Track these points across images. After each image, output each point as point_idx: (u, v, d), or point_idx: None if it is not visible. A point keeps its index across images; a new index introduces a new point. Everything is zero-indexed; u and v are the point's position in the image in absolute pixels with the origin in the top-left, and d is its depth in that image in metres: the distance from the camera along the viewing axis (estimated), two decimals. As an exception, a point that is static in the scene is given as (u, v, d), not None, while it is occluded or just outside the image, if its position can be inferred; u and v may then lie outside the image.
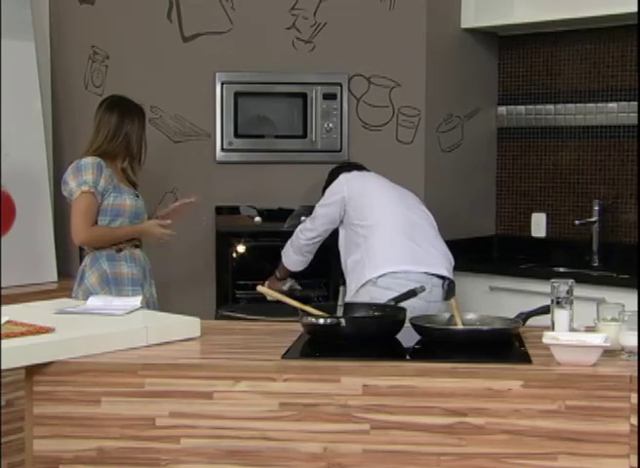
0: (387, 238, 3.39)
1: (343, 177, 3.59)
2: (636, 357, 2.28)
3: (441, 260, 3.40)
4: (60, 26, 4.31)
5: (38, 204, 4.11)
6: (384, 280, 3.28)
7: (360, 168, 3.76)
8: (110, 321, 2.56)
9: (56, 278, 4.14)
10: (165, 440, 2.27)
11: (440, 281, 3.36)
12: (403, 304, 2.75)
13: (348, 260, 3.47)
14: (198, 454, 2.27)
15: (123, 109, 3.47)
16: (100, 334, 2.40)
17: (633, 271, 3.76)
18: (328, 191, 3.62)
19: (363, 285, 3.32)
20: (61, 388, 2.28)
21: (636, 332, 2.28)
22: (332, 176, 3.73)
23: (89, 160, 3.35)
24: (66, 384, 2.28)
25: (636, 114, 4.16)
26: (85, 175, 3.32)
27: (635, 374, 2.16)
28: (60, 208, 4.33)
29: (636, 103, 4.16)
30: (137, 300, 2.77)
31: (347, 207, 3.50)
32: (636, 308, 2.35)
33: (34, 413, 2.30)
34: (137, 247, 3.45)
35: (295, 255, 3.67)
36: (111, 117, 3.44)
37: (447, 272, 3.39)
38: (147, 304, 3.21)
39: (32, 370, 2.28)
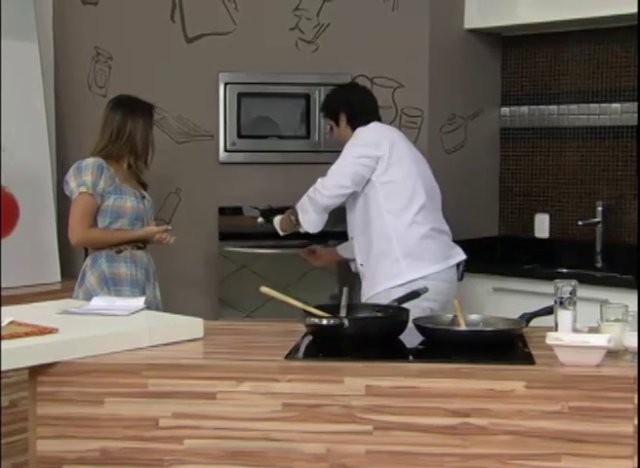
0: (424, 230, 3.38)
1: (387, 132, 3.47)
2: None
3: (454, 243, 3.53)
4: (64, 27, 4.31)
5: (41, 204, 4.11)
6: (424, 282, 3.19)
7: (375, 107, 3.60)
8: (114, 321, 2.56)
9: (59, 278, 4.14)
10: (168, 440, 2.27)
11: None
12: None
13: (372, 251, 3.39)
14: (201, 455, 2.27)
15: (127, 109, 3.46)
16: (104, 335, 2.40)
17: (636, 272, 3.75)
18: (362, 138, 3.43)
19: (400, 285, 3.27)
20: (65, 389, 2.29)
21: (636, 333, 2.28)
22: (339, 101, 3.58)
23: (90, 161, 3.35)
24: (70, 385, 2.29)
25: (638, 114, 4.15)
26: (84, 177, 3.32)
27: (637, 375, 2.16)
28: (64, 208, 4.32)
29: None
30: (140, 301, 2.77)
31: (377, 177, 3.37)
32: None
33: (38, 414, 2.30)
34: (139, 248, 3.43)
35: (316, 215, 3.42)
36: (115, 117, 3.43)
37: (464, 254, 3.52)
38: (150, 306, 3.20)
39: (36, 371, 2.29)
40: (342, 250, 3.71)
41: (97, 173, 3.33)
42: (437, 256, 3.39)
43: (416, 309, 2.83)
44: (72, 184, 3.35)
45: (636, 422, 2.14)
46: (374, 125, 3.47)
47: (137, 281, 3.39)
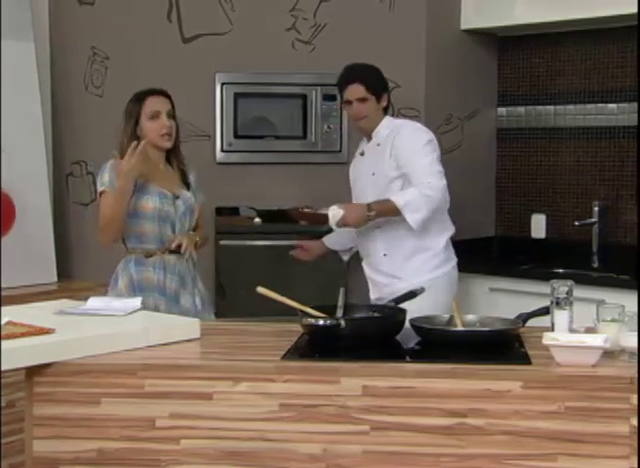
0: (449, 225, 3.52)
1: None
2: (637, 358, 2.28)
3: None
4: (60, 27, 4.30)
5: (38, 205, 4.11)
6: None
7: None
8: (110, 322, 2.56)
9: (55, 279, 4.14)
10: (165, 441, 2.27)
11: None
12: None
13: (406, 243, 3.38)
14: (198, 455, 2.27)
15: (130, 102, 3.31)
16: (101, 335, 2.40)
17: (633, 272, 3.76)
18: (426, 135, 3.41)
19: (441, 276, 3.40)
20: (61, 389, 2.29)
21: (636, 333, 2.29)
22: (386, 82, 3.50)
23: (109, 161, 3.25)
24: (66, 385, 2.28)
25: (636, 115, 4.16)
26: (103, 177, 3.22)
27: (635, 376, 2.16)
28: (60, 208, 4.33)
29: (636, 104, 4.16)
30: (137, 301, 2.77)
31: None
32: (636, 309, 2.35)
33: (34, 414, 2.30)
34: (171, 253, 3.22)
35: (429, 214, 3.27)
36: (124, 112, 3.31)
37: None
38: (187, 314, 3.05)
39: (32, 371, 2.29)
40: (329, 240, 3.66)
41: (114, 172, 3.20)
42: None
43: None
44: (97, 186, 3.26)
45: (635, 423, 2.15)
46: (411, 121, 3.57)
47: (165, 288, 3.21)
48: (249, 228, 4.14)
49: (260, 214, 4.15)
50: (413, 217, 3.23)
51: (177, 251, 3.22)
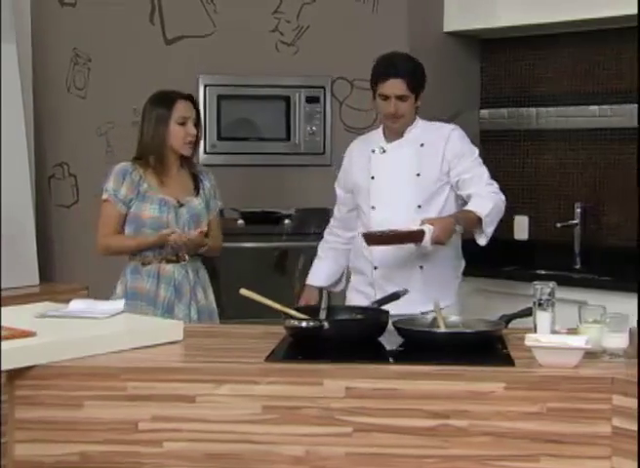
0: None
1: None
2: (619, 359, 2.29)
3: None
4: (42, 29, 4.29)
5: (20, 208, 4.08)
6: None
7: None
8: (92, 324, 2.55)
9: (37, 281, 4.12)
10: (148, 444, 2.26)
11: None
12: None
13: (440, 253, 3.12)
14: (181, 458, 2.26)
15: (145, 105, 3.24)
16: (83, 338, 2.39)
17: (615, 273, 3.78)
18: (473, 145, 3.24)
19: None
20: (43, 392, 2.27)
21: (618, 334, 2.30)
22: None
23: (118, 165, 3.20)
24: (48, 388, 2.27)
25: (619, 117, 4.19)
26: (108, 182, 3.18)
27: (617, 376, 2.17)
28: (42, 211, 4.31)
29: (616, 107, 4.19)
30: (120, 304, 2.76)
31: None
32: (617, 310, 2.37)
33: (16, 418, 2.28)
34: (169, 262, 3.17)
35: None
36: (141, 116, 3.25)
37: None
38: None
39: (14, 375, 2.27)
40: (319, 279, 3.36)
41: (118, 178, 3.16)
42: None
43: None
44: (104, 189, 3.21)
45: (615, 423, 2.16)
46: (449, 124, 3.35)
47: (156, 298, 3.15)
48: (232, 230, 4.13)
49: (244, 215, 4.15)
50: (487, 232, 3.07)
51: (174, 260, 3.17)
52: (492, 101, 4.62)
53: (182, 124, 3.19)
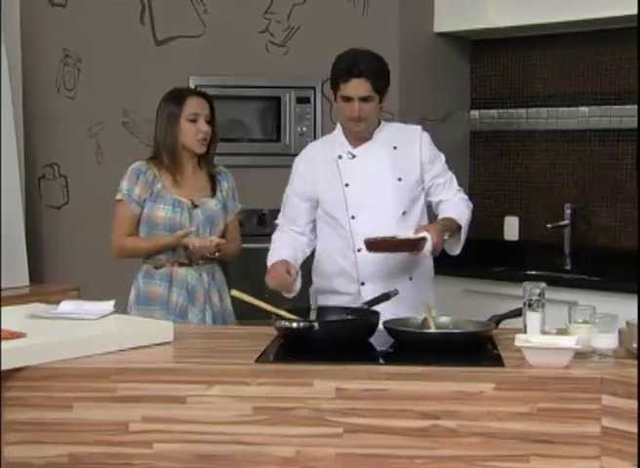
0: None
1: None
2: (608, 359, 2.30)
3: None
4: (32, 29, 4.27)
5: (10, 208, 4.07)
6: None
7: None
8: (83, 325, 2.55)
9: (27, 282, 4.11)
10: (138, 445, 2.26)
11: None
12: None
13: (421, 263, 3.06)
14: (171, 459, 2.26)
15: (159, 104, 3.18)
16: (73, 339, 2.39)
17: (605, 274, 3.80)
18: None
19: None
20: (33, 393, 2.27)
21: (607, 334, 2.31)
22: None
23: (133, 165, 3.14)
24: (38, 389, 2.26)
25: (606, 118, 4.20)
26: (122, 182, 3.12)
27: (606, 376, 2.18)
28: (32, 211, 4.30)
29: (606, 107, 4.20)
30: (109, 304, 2.75)
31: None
32: (607, 310, 2.38)
33: (5, 419, 2.27)
34: (181, 265, 3.10)
35: None
36: (161, 114, 3.17)
37: None
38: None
39: (4, 376, 2.26)
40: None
41: (132, 178, 3.10)
42: None
43: None
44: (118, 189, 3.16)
45: (604, 423, 2.16)
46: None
47: (169, 302, 3.08)
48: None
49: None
50: (462, 240, 3.00)
51: (187, 263, 3.10)
52: (482, 102, 4.63)
53: (194, 121, 3.12)
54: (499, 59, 4.56)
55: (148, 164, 3.15)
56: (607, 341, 2.30)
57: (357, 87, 2.92)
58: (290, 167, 4.14)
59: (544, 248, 4.33)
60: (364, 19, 4.18)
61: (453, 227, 2.96)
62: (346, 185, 3.02)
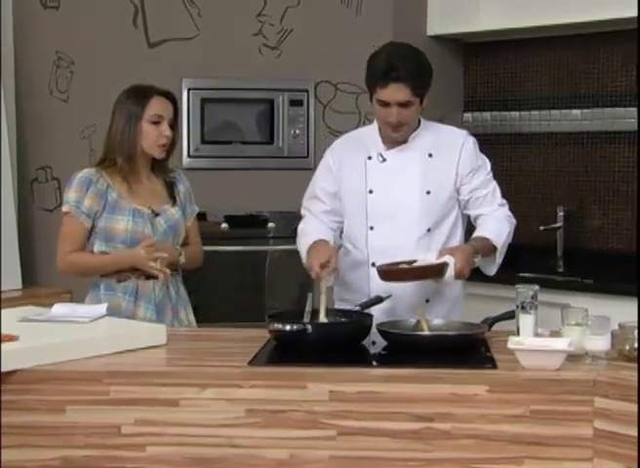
0: None
1: None
2: (601, 361, 2.30)
3: None
4: (24, 32, 4.27)
5: (2, 211, 4.06)
6: None
7: None
8: (75, 328, 2.54)
9: (20, 285, 4.10)
10: (130, 448, 2.25)
11: None
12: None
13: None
14: (164, 462, 2.25)
15: (117, 99, 2.92)
16: (65, 342, 2.38)
17: (597, 276, 3.80)
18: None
19: None
20: (25, 397, 2.26)
21: (600, 337, 2.31)
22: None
23: (79, 174, 2.87)
24: (30, 393, 2.26)
25: (598, 121, 4.21)
26: (69, 193, 2.86)
27: (599, 378, 2.18)
28: (25, 214, 4.29)
29: (599, 109, 4.21)
30: (102, 308, 2.74)
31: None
32: (600, 312, 2.38)
33: (-2, 422, 2.27)
34: (148, 278, 2.85)
35: None
36: (120, 112, 2.90)
37: None
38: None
39: (-5, 379, 2.26)
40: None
41: (81, 188, 2.84)
42: None
43: None
44: (64, 200, 2.91)
45: (596, 425, 2.17)
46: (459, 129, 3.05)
47: (134, 318, 2.83)
48: (216, 234, 4.12)
49: (228, 219, 4.14)
50: (498, 261, 2.79)
51: (155, 275, 2.83)
52: (475, 105, 4.63)
53: (156, 123, 2.85)
54: (491, 62, 4.57)
55: (99, 172, 2.87)
56: (600, 343, 2.31)
57: (395, 92, 2.67)
58: (283, 169, 4.16)
59: (537, 250, 4.33)
60: (357, 22, 4.18)
61: (487, 248, 2.72)
62: (370, 192, 2.82)
